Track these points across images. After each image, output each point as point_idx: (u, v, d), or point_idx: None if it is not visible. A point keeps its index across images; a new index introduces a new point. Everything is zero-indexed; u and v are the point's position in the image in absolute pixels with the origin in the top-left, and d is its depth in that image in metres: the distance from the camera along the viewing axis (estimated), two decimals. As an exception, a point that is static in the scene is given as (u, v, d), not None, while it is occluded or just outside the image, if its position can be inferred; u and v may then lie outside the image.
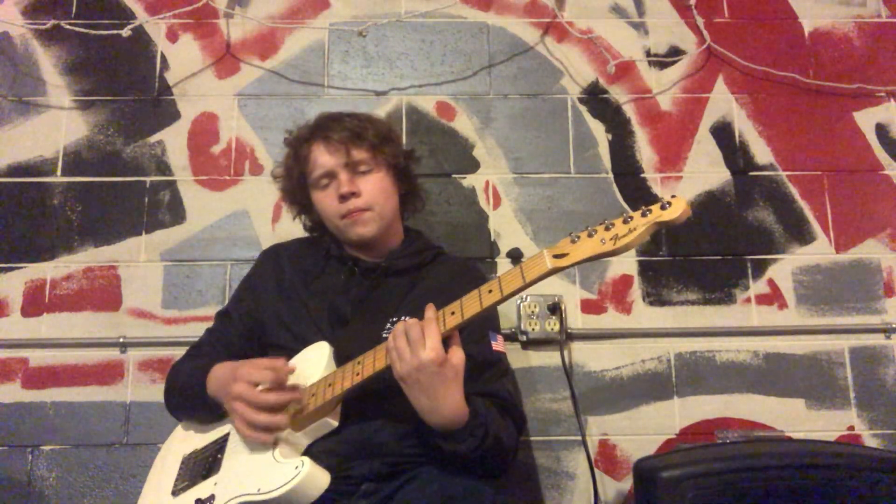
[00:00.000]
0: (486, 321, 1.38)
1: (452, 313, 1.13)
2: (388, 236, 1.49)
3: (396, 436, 1.25)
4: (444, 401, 1.11)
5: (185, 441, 1.39)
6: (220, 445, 1.30)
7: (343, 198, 1.41)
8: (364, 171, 1.44)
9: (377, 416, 1.26)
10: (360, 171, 1.44)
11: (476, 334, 1.35)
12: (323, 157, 1.43)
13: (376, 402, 1.24)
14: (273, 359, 1.23)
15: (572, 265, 1.04)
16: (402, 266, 1.46)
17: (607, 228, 1.02)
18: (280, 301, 1.44)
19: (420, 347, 1.09)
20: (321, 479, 1.14)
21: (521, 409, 1.36)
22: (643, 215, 1.00)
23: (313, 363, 1.27)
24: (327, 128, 1.45)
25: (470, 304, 1.12)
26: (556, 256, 1.04)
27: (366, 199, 1.42)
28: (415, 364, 1.09)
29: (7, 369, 1.78)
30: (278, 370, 1.20)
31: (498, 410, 1.25)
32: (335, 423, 1.22)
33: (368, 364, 1.17)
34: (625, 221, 1.01)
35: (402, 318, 1.33)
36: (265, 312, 1.44)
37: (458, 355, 1.12)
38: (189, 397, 1.36)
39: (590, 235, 1.03)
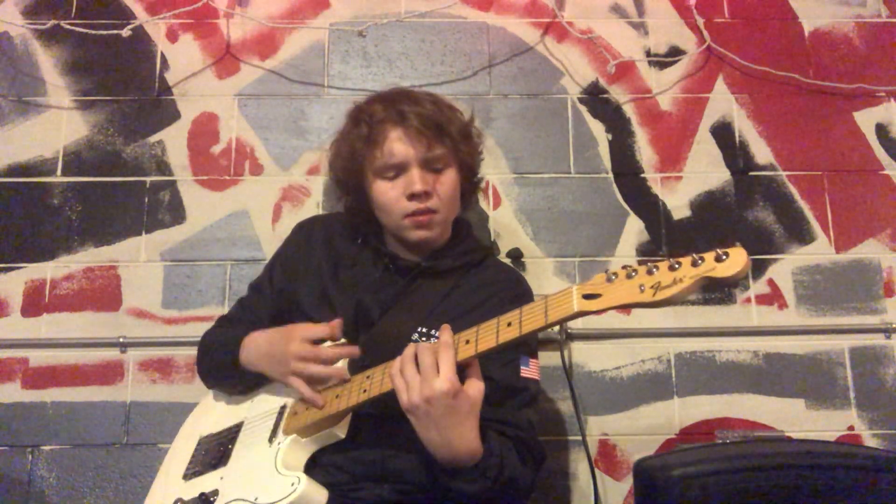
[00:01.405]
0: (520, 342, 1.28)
1: (467, 342, 1.03)
2: (436, 238, 1.37)
3: (410, 464, 1.18)
4: (457, 437, 1.01)
5: (205, 420, 1.39)
6: (233, 434, 1.29)
7: (414, 196, 1.27)
8: (438, 169, 1.30)
9: (395, 440, 1.18)
10: (434, 168, 1.29)
11: (503, 356, 1.22)
12: (399, 146, 1.27)
13: (396, 424, 1.15)
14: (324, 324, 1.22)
15: (603, 310, 0.92)
16: (443, 268, 1.34)
17: (650, 272, 0.89)
18: (306, 287, 1.36)
19: (432, 376, 0.99)
20: (317, 497, 1.12)
21: (541, 442, 1.25)
22: (693, 264, 0.86)
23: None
24: (406, 113, 1.27)
25: (486, 336, 1.02)
26: (586, 297, 0.93)
27: (437, 201, 1.29)
28: (426, 394, 0.99)
29: (7, 369, 1.77)
30: (332, 328, 1.19)
31: (516, 446, 1.16)
32: (342, 435, 1.19)
33: (377, 382, 1.10)
34: (671, 268, 0.87)
35: (432, 331, 1.25)
36: (293, 295, 1.37)
37: (475, 387, 1.02)
38: (219, 366, 1.33)
39: (628, 276, 0.90)
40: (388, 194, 1.29)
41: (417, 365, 1.02)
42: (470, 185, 1.42)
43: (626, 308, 0.91)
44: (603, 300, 0.92)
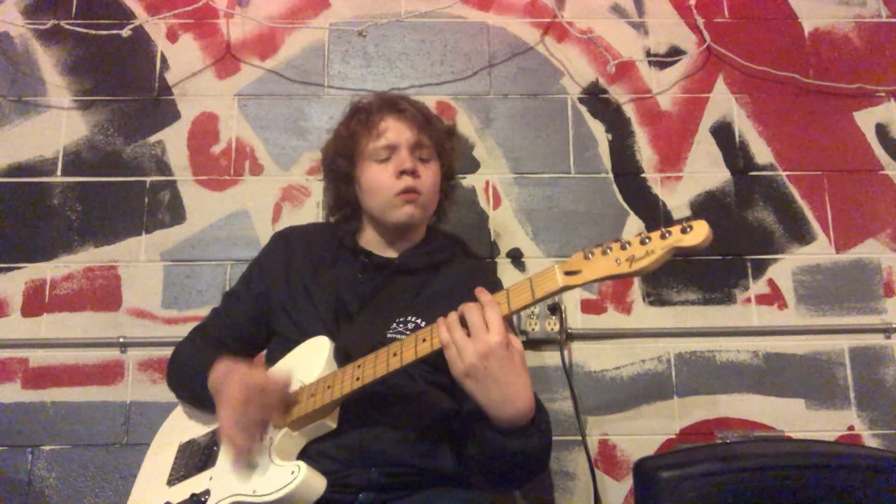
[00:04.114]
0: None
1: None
2: (413, 231, 1.46)
3: (396, 444, 1.22)
4: (516, 390, 1.03)
5: (182, 428, 1.38)
6: (217, 437, 1.28)
7: (404, 173, 1.37)
8: (425, 159, 1.42)
9: (378, 422, 1.22)
10: (421, 158, 1.41)
11: None
12: (394, 129, 1.40)
13: (377, 407, 1.21)
14: (275, 373, 1.18)
15: (584, 284, 0.98)
16: (416, 265, 1.41)
17: (623, 247, 0.96)
18: (287, 288, 1.39)
19: (483, 332, 1.01)
20: (317, 484, 1.12)
21: None
22: (662, 237, 0.94)
23: (312, 358, 1.25)
24: (400, 103, 1.43)
25: None
26: (567, 273, 0.99)
27: (422, 183, 1.39)
28: (481, 350, 1.01)
29: (7, 369, 1.77)
30: (277, 383, 1.15)
31: None
32: (333, 425, 1.20)
33: (369, 369, 1.12)
34: (642, 242, 0.96)
35: (409, 318, 1.31)
36: (274, 297, 1.40)
37: (517, 340, 1.06)
38: (192, 387, 1.33)
39: (604, 253, 0.98)
40: (380, 174, 1.39)
41: (466, 326, 1.03)
42: (447, 186, 1.52)
43: (605, 280, 0.97)
44: (584, 275, 0.98)
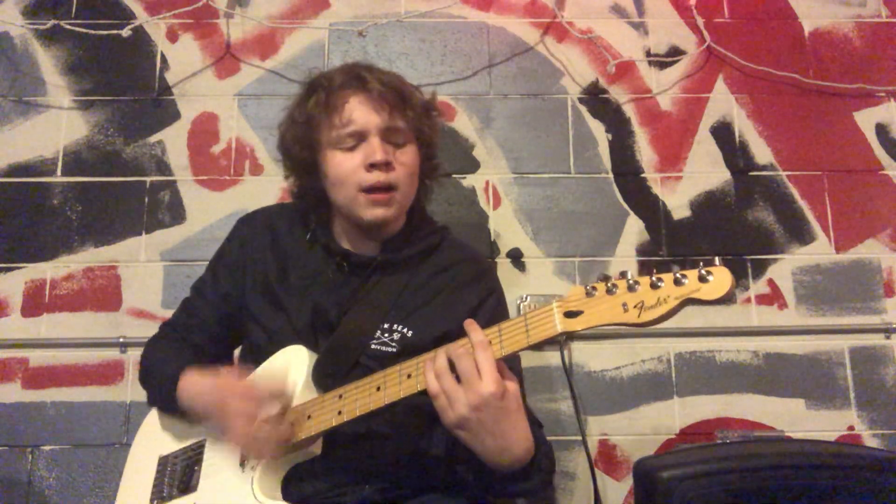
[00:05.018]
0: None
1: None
2: (390, 223, 1.27)
3: (388, 460, 1.16)
4: (514, 437, 0.95)
5: (161, 437, 1.29)
6: (196, 455, 1.21)
7: (374, 166, 1.17)
8: (399, 143, 1.21)
9: (368, 438, 1.15)
10: (395, 142, 1.21)
11: None
12: (360, 113, 1.18)
13: (366, 424, 1.13)
14: (256, 387, 1.08)
15: (585, 329, 0.89)
16: (400, 258, 1.25)
17: (631, 288, 0.85)
18: (254, 291, 1.26)
19: (476, 381, 0.92)
20: None
21: None
22: (676, 283, 0.82)
23: (290, 372, 1.15)
24: (366, 79, 1.20)
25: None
26: (567, 315, 0.90)
27: (396, 176, 1.19)
28: (474, 402, 0.92)
29: (7, 369, 1.77)
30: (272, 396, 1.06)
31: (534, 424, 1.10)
32: (317, 452, 1.13)
33: (351, 403, 1.04)
34: (653, 286, 0.83)
35: (395, 326, 1.20)
36: (240, 300, 1.28)
37: (512, 381, 0.96)
38: (161, 397, 1.25)
39: (609, 292, 0.87)
40: (345, 165, 1.19)
41: (456, 373, 0.95)
42: (429, 167, 1.32)
43: (609, 326, 0.88)
44: (586, 318, 0.89)
